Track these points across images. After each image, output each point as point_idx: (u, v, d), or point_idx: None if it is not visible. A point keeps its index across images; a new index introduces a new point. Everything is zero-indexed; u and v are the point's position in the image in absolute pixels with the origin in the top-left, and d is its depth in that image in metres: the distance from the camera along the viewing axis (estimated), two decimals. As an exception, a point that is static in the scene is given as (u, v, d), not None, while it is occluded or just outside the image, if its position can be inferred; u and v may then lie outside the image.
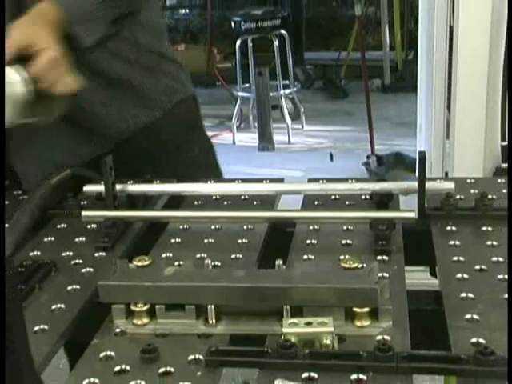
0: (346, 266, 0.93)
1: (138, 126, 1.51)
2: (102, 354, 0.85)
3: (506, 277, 0.98)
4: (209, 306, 0.89)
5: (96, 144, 1.47)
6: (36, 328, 0.91)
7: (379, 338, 0.85)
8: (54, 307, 0.96)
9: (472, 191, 1.27)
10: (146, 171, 1.38)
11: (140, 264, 0.97)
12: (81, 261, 1.10)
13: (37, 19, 1.22)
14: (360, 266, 0.93)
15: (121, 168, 1.24)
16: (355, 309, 0.87)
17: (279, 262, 0.95)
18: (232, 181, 1.36)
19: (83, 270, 1.07)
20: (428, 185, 1.14)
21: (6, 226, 1.20)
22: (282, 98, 6.20)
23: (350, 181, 1.29)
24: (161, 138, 1.56)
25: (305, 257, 1.07)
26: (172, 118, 1.56)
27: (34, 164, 1.48)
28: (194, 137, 1.65)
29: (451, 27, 2.47)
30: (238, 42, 6.26)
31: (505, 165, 2.48)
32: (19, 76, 1.17)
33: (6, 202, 1.36)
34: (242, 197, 1.31)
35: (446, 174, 2.55)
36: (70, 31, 1.24)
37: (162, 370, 0.81)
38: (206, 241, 1.15)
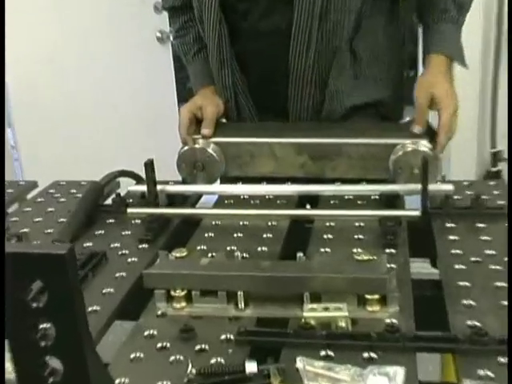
0: (359, 258, 0.93)
1: None
2: (145, 333, 0.85)
3: (499, 267, 0.97)
4: (238, 293, 0.89)
5: None
6: (89, 309, 0.91)
7: (387, 321, 0.84)
8: (104, 291, 0.96)
9: (467, 192, 1.27)
10: None
11: (178, 255, 0.96)
12: (127, 251, 1.10)
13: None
14: (371, 258, 0.93)
15: None
16: (366, 296, 0.87)
17: (300, 254, 0.95)
18: (259, 182, 1.34)
19: (129, 260, 1.07)
20: (430, 187, 1.13)
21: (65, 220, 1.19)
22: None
23: (361, 183, 1.28)
24: None
25: (322, 250, 1.06)
26: None
27: None
28: None
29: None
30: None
31: (494, 169, 2.51)
32: None
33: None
34: (267, 196, 1.30)
35: (443, 177, 2.55)
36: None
37: (198, 347, 0.81)
38: (235, 235, 1.14)
